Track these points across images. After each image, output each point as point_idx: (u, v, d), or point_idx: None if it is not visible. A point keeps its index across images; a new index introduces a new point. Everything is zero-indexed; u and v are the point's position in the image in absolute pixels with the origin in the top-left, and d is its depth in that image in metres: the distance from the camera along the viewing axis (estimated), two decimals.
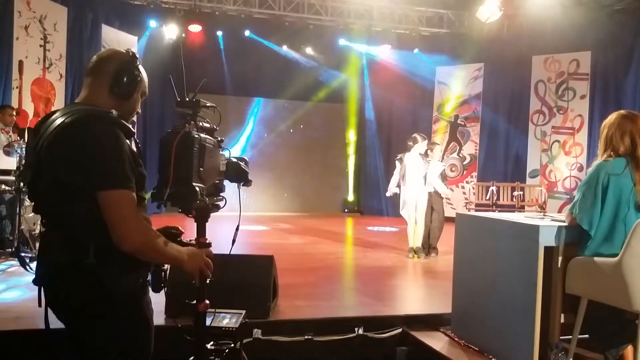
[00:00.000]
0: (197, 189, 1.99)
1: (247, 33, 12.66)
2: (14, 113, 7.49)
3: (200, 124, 2.19)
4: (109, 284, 1.91)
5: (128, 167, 1.88)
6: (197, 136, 2.05)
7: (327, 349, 4.13)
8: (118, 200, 1.84)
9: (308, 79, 13.38)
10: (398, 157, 7.89)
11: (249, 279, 4.24)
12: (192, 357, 2.31)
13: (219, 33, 12.66)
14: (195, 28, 12.06)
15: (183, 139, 2.00)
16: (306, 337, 4.10)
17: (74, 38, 10.03)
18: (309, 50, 13.56)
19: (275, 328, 4.11)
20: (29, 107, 8.97)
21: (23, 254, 6.01)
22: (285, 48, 13.38)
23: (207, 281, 2.24)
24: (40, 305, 2.02)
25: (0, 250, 6.35)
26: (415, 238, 7.63)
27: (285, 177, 14.36)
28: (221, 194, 2.35)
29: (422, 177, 7.58)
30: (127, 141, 1.93)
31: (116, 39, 11.17)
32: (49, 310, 2.04)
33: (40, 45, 9.33)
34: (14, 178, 6.38)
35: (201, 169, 2.04)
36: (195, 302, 2.29)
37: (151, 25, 11.86)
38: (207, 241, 2.26)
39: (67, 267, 1.91)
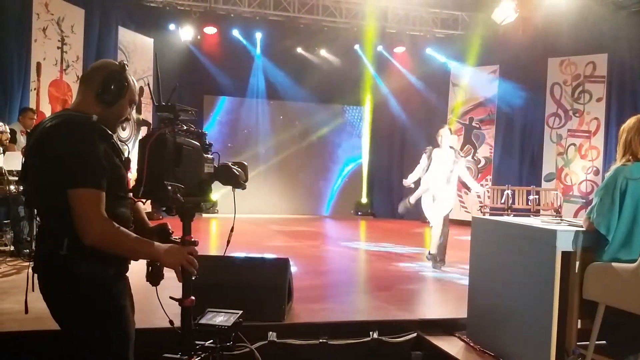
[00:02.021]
0: (170, 187, 2.09)
1: (259, 37, 12.73)
2: (35, 116, 7.57)
3: (184, 127, 2.29)
4: (79, 274, 2.09)
5: (97, 168, 2.05)
6: (171, 138, 2.15)
7: (341, 352, 4.12)
8: (80, 198, 2.01)
9: (322, 81, 13.38)
10: (426, 150, 7.29)
11: (264, 281, 4.25)
12: (179, 353, 2.34)
13: (234, 33, 12.74)
14: (210, 30, 12.13)
15: (157, 140, 2.12)
16: (321, 340, 4.09)
17: (91, 40, 10.13)
18: (323, 52, 13.59)
19: (290, 331, 4.12)
20: (46, 109, 9.06)
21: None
22: (299, 50, 13.41)
23: (193, 278, 2.30)
24: (33, 289, 2.19)
25: (18, 251, 6.41)
26: (431, 242, 7.11)
27: (298, 180, 14.38)
28: (209, 196, 2.42)
29: (447, 173, 7.00)
30: (104, 144, 2.10)
31: (132, 40, 11.27)
32: None
33: (58, 47, 9.44)
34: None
35: (176, 169, 2.14)
36: (180, 298, 2.33)
37: (167, 27, 11.94)
38: (192, 239, 2.31)
39: (46, 257, 2.13)
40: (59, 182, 2.02)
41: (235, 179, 2.43)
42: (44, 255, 2.15)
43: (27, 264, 5.99)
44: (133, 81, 2.29)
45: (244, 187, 2.49)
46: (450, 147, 7.14)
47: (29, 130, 7.20)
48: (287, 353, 4.00)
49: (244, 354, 3.16)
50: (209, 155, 2.40)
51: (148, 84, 2.31)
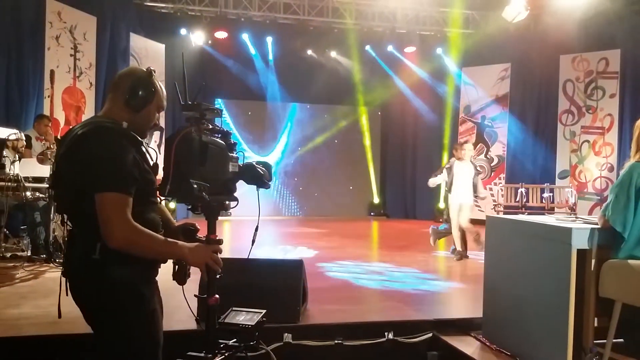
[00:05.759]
0: (195, 185, 2.11)
1: (270, 40, 12.77)
2: (49, 123, 7.66)
3: (210, 126, 2.31)
4: (111, 278, 2.10)
5: (126, 174, 2.06)
6: (197, 137, 2.17)
7: (357, 353, 4.13)
8: (106, 202, 2.02)
9: (333, 83, 13.37)
10: (447, 166, 8.11)
11: (278, 283, 4.27)
12: (203, 351, 2.36)
13: (244, 37, 12.79)
14: (221, 34, 12.19)
15: (183, 139, 2.15)
16: (336, 341, 4.10)
17: (103, 47, 10.20)
18: (333, 54, 13.59)
19: (305, 332, 4.13)
20: (60, 116, 9.17)
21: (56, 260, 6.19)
22: (309, 52, 13.42)
23: (217, 276, 2.31)
24: (67, 294, 2.19)
25: (35, 257, 6.48)
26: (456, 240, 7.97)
27: (311, 181, 14.40)
28: (234, 195, 2.43)
29: (470, 184, 7.87)
30: (134, 151, 2.12)
31: (144, 47, 11.35)
32: None
33: (71, 55, 9.53)
34: (47, 185, 6.53)
35: (202, 168, 2.16)
36: (205, 296, 2.35)
37: (178, 32, 12.01)
38: (217, 238, 2.32)
39: (79, 261, 2.15)
40: (89, 188, 2.04)
41: (260, 178, 2.44)
42: (75, 260, 2.17)
43: (45, 269, 6.11)
44: (161, 87, 2.30)
45: (268, 187, 2.49)
46: (471, 161, 8.06)
47: (43, 137, 7.37)
48: (303, 354, 4.01)
49: (260, 355, 3.18)
50: (234, 154, 2.40)
51: (175, 83, 2.33)
